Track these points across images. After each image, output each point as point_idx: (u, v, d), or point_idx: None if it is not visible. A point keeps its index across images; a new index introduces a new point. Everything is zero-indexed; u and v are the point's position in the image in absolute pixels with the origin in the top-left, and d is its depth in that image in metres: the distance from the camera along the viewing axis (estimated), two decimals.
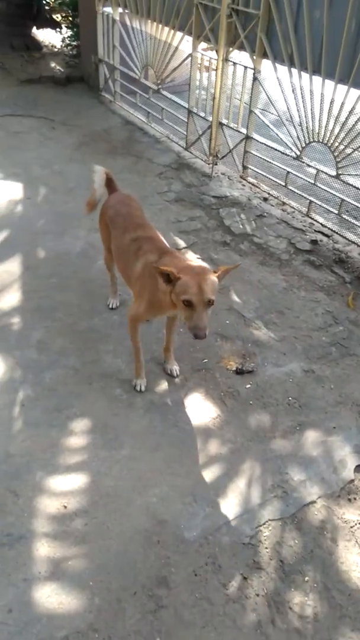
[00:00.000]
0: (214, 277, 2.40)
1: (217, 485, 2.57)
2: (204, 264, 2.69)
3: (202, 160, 5.32)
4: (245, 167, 4.94)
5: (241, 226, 4.41)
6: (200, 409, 2.93)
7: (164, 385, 3.08)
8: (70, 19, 7.67)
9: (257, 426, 2.86)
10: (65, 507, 2.44)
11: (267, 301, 3.67)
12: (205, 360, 3.22)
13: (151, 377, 3.09)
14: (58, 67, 7.64)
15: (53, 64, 7.73)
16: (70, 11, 7.58)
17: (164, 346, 3.14)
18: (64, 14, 7.98)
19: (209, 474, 2.62)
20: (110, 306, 3.59)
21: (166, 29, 5.20)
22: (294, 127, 4.27)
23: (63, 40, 8.11)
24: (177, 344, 3.24)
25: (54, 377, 3.08)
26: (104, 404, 2.93)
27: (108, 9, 6.09)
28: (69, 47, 7.90)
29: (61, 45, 8.18)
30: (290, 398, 3.01)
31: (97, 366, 3.16)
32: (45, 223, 4.43)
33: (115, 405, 2.92)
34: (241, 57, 4.73)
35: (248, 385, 3.07)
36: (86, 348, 3.28)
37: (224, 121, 4.93)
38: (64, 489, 2.51)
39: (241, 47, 4.51)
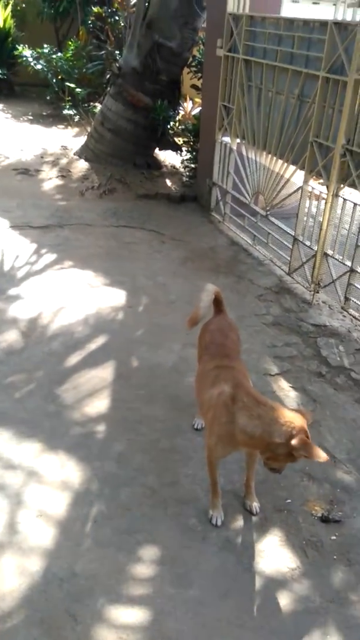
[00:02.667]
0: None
1: None
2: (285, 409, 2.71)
3: (303, 286, 5.45)
4: (347, 299, 5.00)
5: (339, 358, 4.39)
6: (278, 556, 2.80)
7: (241, 522, 2.99)
8: (191, 143, 8.46)
9: (340, 587, 2.67)
10: None
11: None
12: (289, 501, 3.12)
13: (229, 511, 3.02)
14: (174, 186, 8.36)
15: (170, 183, 8.48)
16: (191, 137, 8.39)
17: (244, 480, 3.09)
18: (185, 139, 8.83)
19: (280, 634, 2.45)
20: (196, 427, 3.62)
21: (280, 161, 5.60)
22: None
23: (182, 162, 8.92)
24: (260, 476, 3.17)
25: (130, 495, 3.10)
26: (177, 534, 2.88)
27: (227, 139, 6.69)
28: (186, 169, 8.66)
29: (179, 166, 8.99)
30: None
31: (174, 490, 3.15)
32: (142, 333, 4.67)
33: (188, 537, 2.86)
34: (352, 193, 4.94)
35: (333, 537, 2.91)
36: (165, 468, 3.30)
37: (329, 252, 5.09)
38: (124, 622, 2.45)
39: (352, 185, 4.74)
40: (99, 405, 3.82)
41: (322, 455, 2.45)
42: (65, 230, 6.65)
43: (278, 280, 5.66)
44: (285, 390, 4.03)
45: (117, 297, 5.21)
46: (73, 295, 5.19)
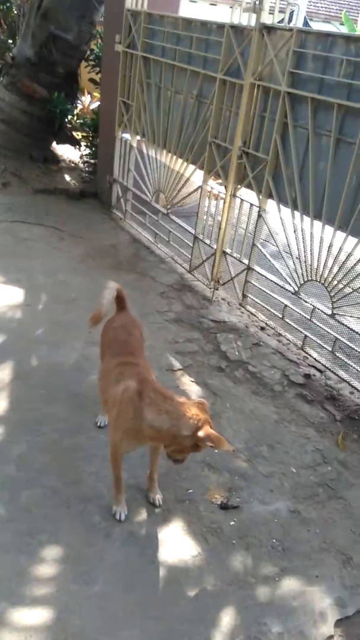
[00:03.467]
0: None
1: (191, 632, 2.50)
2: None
3: (203, 284, 5.63)
4: (245, 296, 5.23)
5: (237, 353, 4.59)
6: (181, 545, 2.91)
7: (144, 515, 3.07)
8: (90, 138, 8.41)
9: (238, 569, 2.82)
10: None
11: (257, 433, 3.75)
12: (190, 491, 3.24)
13: (132, 505, 3.08)
14: (73, 181, 8.28)
15: (68, 178, 8.38)
16: (90, 132, 8.34)
17: (147, 473, 3.17)
18: (84, 134, 8.76)
19: (183, 620, 2.55)
20: (99, 424, 3.65)
21: (180, 160, 5.73)
22: (293, 263, 4.59)
23: (81, 157, 8.84)
24: (162, 469, 3.26)
25: (31, 497, 3.08)
26: (80, 532, 2.91)
27: (127, 135, 6.74)
28: (85, 164, 8.60)
29: (78, 162, 8.90)
30: (274, 540, 2.99)
31: (77, 488, 3.17)
32: (42, 332, 4.61)
33: (91, 534, 2.90)
34: (248, 193, 5.17)
35: (232, 522, 3.06)
36: (69, 467, 3.30)
37: (228, 250, 5.30)
38: (27, 623, 2.44)
39: (249, 186, 4.97)
40: None
41: (227, 445, 2.60)
42: None
43: (179, 278, 5.80)
44: (187, 384, 4.16)
45: (13, 295, 5.10)
46: None
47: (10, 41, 9.74)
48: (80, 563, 2.74)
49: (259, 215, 4.88)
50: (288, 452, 3.62)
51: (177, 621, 2.54)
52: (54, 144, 9.05)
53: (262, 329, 5.00)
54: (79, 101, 9.16)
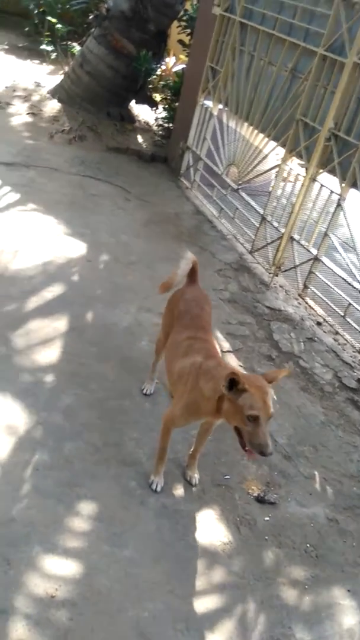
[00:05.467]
0: (271, 388, 2.43)
1: (214, 619, 2.48)
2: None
3: (263, 267, 5.50)
4: (306, 287, 5.09)
5: (289, 344, 4.49)
6: (212, 529, 2.88)
7: (179, 491, 3.04)
8: (169, 101, 8.23)
9: (268, 566, 2.78)
10: (54, 592, 2.37)
11: (302, 431, 3.67)
12: (228, 477, 3.20)
13: (168, 479, 3.06)
14: (145, 143, 8.15)
15: (141, 139, 8.26)
16: (171, 94, 8.16)
17: (190, 452, 3.13)
18: (164, 96, 8.58)
19: (208, 604, 2.54)
20: (145, 392, 3.63)
21: (261, 135, 5.53)
22: None
23: (156, 119, 8.68)
24: (203, 450, 3.22)
25: (73, 450, 3.09)
26: (116, 494, 2.90)
27: (209, 102, 6.54)
28: (160, 128, 8.44)
29: (153, 124, 8.75)
30: (308, 545, 2.93)
31: (118, 451, 3.16)
32: (99, 290, 4.58)
33: (127, 499, 2.89)
34: (329, 179, 4.94)
35: (267, 518, 3.01)
36: (111, 428, 3.29)
37: (296, 237, 5.14)
38: (57, 573, 2.46)
39: (332, 172, 4.74)
40: (50, 355, 3.74)
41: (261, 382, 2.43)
42: (31, 171, 6.38)
43: (239, 257, 5.68)
44: (236, 368, 4.08)
45: (77, 249, 5.07)
46: (33, 240, 5.01)
47: None
48: (113, 524, 2.74)
49: (338, 204, 4.66)
50: (332, 457, 3.53)
51: (201, 605, 2.52)
52: (132, 103, 8.91)
53: (319, 324, 4.86)
54: (163, 62, 8.93)
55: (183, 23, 8.28)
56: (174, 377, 2.93)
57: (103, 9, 8.17)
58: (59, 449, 3.07)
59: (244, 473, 3.25)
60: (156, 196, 6.63)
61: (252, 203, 5.79)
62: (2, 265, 4.54)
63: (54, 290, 4.42)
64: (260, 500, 3.08)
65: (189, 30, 8.03)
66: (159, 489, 2.98)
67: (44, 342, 3.86)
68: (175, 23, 8.41)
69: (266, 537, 2.91)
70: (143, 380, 3.67)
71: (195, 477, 3.11)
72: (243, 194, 5.94)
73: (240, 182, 5.94)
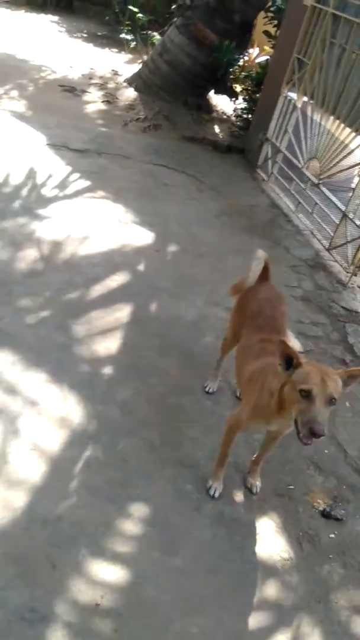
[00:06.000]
0: (339, 378, 2.20)
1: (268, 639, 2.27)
2: None
3: (341, 266, 5.18)
4: None
5: None
6: (272, 542, 2.66)
7: (239, 498, 2.85)
8: (250, 92, 7.99)
9: (330, 588, 2.54)
10: (100, 600, 2.24)
11: None
12: (292, 487, 2.96)
13: (228, 484, 2.87)
14: (222, 134, 7.94)
15: (218, 130, 8.06)
16: (252, 85, 7.90)
17: (254, 458, 2.93)
18: (244, 87, 8.34)
19: (262, 622, 2.33)
20: (207, 389, 3.45)
21: (347, 129, 5.21)
22: None
23: (235, 110, 8.45)
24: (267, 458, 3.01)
25: (129, 446, 2.95)
26: (171, 497, 2.74)
27: (293, 94, 6.26)
28: (238, 118, 8.21)
29: (231, 115, 8.53)
30: None
31: (175, 450, 3.00)
32: (165, 281, 4.43)
33: (182, 503, 2.72)
34: None
35: (332, 535, 2.76)
36: (170, 426, 3.14)
37: None
38: (103, 579, 2.32)
39: None
40: (110, 346, 3.63)
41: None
42: (103, 158, 6.32)
43: (315, 254, 5.37)
44: None
45: (145, 238, 4.95)
46: (101, 227, 4.94)
47: None
48: (166, 529, 2.58)
49: None
50: None
51: (255, 623, 2.33)
52: (211, 93, 8.72)
53: None
54: (246, 53, 8.69)
55: (270, 14, 8.01)
56: (244, 380, 2.74)
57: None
58: (113, 445, 2.94)
59: (310, 484, 3.00)
60: (230, 187, 6.42)
61: (333, 198, 5.47)
62: (69, 251, 4.47)
63: (118, 280, 4.31)
64: (325, 515, 2.83)
65: (275, 22, 7.75)
66: (217, 494, 2.80)
67: (105, 332, 3.75)
68: (262, 14, 8.15)
69: (330, 556, 2.66)
70: (206, 378, 3.49)
71: (257, 484, 2.90)
72: (324, 189, 5.62)
73: (321, 177, 5.63)
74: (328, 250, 5.37)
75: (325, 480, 3.05)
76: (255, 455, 2.92)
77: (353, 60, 5.16)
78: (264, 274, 3.10)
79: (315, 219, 5.73)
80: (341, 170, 5.37)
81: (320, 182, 5.63)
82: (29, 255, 4.33)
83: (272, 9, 7.91)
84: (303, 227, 5.82)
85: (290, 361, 2.23)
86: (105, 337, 3.71)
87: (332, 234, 5.35)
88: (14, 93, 7.63)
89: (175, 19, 8.33)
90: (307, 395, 2.12)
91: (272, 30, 7.81)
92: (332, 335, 4.25)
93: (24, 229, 4.61)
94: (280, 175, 6.51)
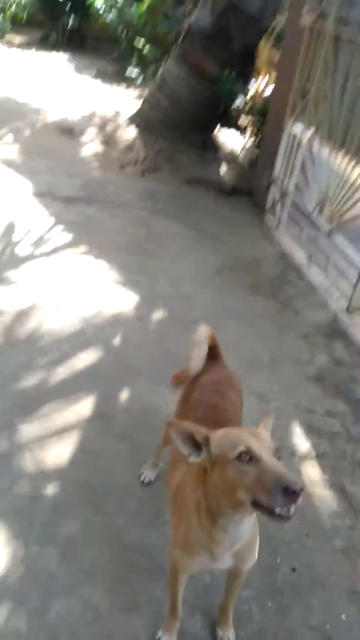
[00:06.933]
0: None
1: None
2: None
3: None
4: None
5: None
6: None
7: None
8: (258, 126, 7.30)
9: None
10: None
11: None
12: None
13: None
14: (229, 174, 7.25)
15: (224, 169, 7.37)
16: (257, 118, 7.23)
17: (219, 604, 2.20)
18: (252, 120, 7.67)
19: None
20: (143, 479, 2.82)
21: (359, 168, 4.44)
22: None
23: (243, 147, 7.78)
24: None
25: (62, 614, 2.21)
26: None
27: (298, 128, 5.52)
28: (246, 156, 7.52)
29: (239, 152, 7.85)
30: None
31: (127, 618, 2.20)
32: (144, 359, 3.69)
33: None
34: None
35: None
36: (124, 581, 2.36)
37: None
38: None
39: None
40: (62, 453, 2.90)
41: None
42: (92, 207, 5.70)
43: (332, 318, 4.50)
44: (316, 483, 2.97)
45: (127, 302, 4.24)
46: (76, 290, 4.27)
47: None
48: None
49: None
50: None
51: None
52: (217, 127, 8.08)
53: None
54: (250, 83, 8.03)
55: (272, 39, 7.37)
56: (170, 497, 2.06)
57: (185, 26, 7.48)
58: (42, 612, 2.18)
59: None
60: (234, 236, 5.68)
61: (350, 249, 4.66)
62: (32, 324, 3.81)
63: (87, 359, 3.59)
64: None
65: (279, 48, 7.11)
66: None
67: (59, 433, 3.03)
68: (265, 39, 7.53)
69: None
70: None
71: (229, 638, 2.19)
72: (339, 238, 4.82)
73: (333, 223, 4.84)
74: (348, 312, 4.51)
75: None
76: (221, 598, 2.19)
77: (359, 86, 4.41)
78: (213, 353, 2.48)
79: (332, 274, 4.91)
80: (357, 218, 4.57)
81: (332, 228, 4.83)
82: None
83: (273, 35, 7.27)
84: (317, 284, 4.97)
85: (194, 442, 1.68)
86: (59, 439, 2.99)
87: (351, 292, 4.50)
88: (8, 138, 7.18)
89: (173, 49, 7.80)
90: (248, 457, 1.56)
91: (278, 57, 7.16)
92: (354, 430, 3.37)
93: None
94: (291, 221, 5.74)
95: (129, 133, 7.87)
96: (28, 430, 3.00)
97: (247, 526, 1.76)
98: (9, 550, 2.40)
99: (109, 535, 2.52)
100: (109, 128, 8.02)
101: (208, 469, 1.67)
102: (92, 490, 2.73)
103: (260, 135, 7.08)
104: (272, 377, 3.71)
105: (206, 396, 2.30)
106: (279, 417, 3.33)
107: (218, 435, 1.66)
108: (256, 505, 1.55)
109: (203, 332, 2.45)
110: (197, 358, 2.43)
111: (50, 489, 2.70)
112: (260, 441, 1.61)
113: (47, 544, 2.44)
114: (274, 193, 6.06)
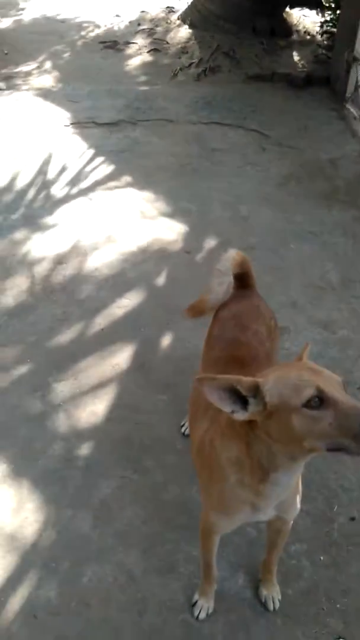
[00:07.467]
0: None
1: None
2: None
3: None
4: None
5: None
6: None
7: (246, 616, 2.12)
8: None
9: None
10: None
11: None
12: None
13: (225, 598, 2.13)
14: (302, 62, 6.83)
15: (298, 57, 6.95)
16: None
17: (262, 561, 2.24)
18: None
19: None
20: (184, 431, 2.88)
21: None
22: None
23: (321, 26, 7.25)
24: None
25: (95, 581, 2.35)
26: None
27: None
28: (324, 36, 7.02)
29: (317, 33, 7.34)
30: None
31: (162, 582, 2.32)
32: (193, 297, 3.61)
33: None
34: None
35: None
36: (161, 540, 2.46)
37: None
38: None
39: None
40: (98, 410, 3.02)
41: None
42: (138, 129, 5.68)
43: None
44: None
45: (174, 234, 4.24)
46: (117, 228, 4.33)
47: None
48: None
49: None
50: None
51: None
52: (287, 8, 7.59)
53: None
54: None
55: None
56: (194, 450, 2.03)
57: None
58: (73, 579, 2.34)
59: None
60: (306, 137, 5.43)
61: None
62: (69, 271, 3.94)
63: (127, 304, 3.67)
64: None
65: None
66: (202, 615, 2.20)
67: (95, 389, 3.14)
68: None
69: None
70: None
71: (274, 597, 2.24)
72: None
73: None
74: None
75: None
76: (264, 555, 2.22)
77: None
78: (243, 280, 2.42)
79: None
80: None
81: None
82: (19, 285, 3.85)
83: None
84: None
85: (240, 395, 1.53)
86: (94, 397, 3.11)
87: None
88: (47, 65, 7.25)
89: None
90: (318, 400, 1.44)
91: None
92: None
93: (19, 248, 4.15)
94: None
95: (182, 33, 7.64)
96: (62, 388, 3.15)
97: (299, 473, 1.72)
98: (40, 515, 2.56)
99: (146, 494, 2.62)
100: (159, 30, 7.83)
101: (259, 421, 1.55)
102: (130, 447, 2.83)
103: (338, 9, 6.56)
104: (341, 302, 3.57)
105: (225, 331, 2.26)
106: (346, 347, 3.23)
107: (271, 380, 1.52)
108: (333, 450, 1.47)
109: (229, 260, 2.40)
110: (217, 289, 2.39)
111: (85, 449, 2.83)
112: (327, 378, 1.51)
113: (81, 508, 2.58)
114: (355, 76, 5.66)
